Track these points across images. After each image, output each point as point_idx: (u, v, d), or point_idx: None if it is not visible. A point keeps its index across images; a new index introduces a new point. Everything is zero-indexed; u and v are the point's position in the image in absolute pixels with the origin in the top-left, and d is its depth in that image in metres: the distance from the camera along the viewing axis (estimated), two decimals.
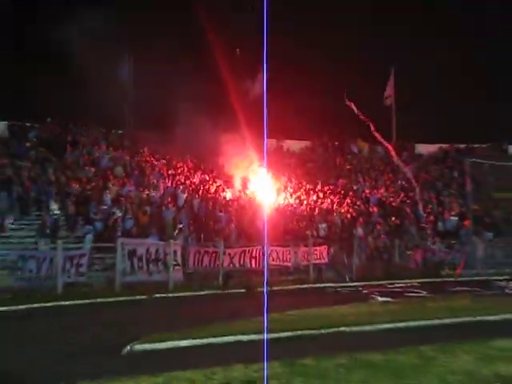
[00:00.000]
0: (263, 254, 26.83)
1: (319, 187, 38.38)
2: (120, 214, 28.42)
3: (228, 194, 34.75)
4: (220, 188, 35.03)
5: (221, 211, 31.99)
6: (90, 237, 26.06)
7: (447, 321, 15.90)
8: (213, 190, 34.45)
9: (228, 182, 36.22)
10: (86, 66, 33.71)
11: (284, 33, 38.39)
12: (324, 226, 33.01)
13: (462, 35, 51.81)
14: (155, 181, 33.40)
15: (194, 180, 35.24)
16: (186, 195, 32.45)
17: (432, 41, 51.79)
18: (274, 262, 27.51)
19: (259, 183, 36.41)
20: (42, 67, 35.46)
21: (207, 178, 35.81)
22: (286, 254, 28.34)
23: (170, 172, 35.34)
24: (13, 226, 26.99)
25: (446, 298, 20.09)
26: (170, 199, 31.54)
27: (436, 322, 15.76)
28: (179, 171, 35.86)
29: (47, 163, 32.20)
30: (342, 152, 45.32)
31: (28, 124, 35.93)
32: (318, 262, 28.79)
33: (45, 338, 13.82)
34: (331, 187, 38.80)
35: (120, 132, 39.42)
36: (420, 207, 37.05)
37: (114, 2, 41.04)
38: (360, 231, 32.91)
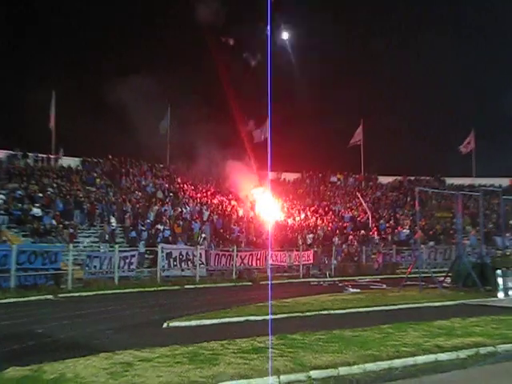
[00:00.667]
0: (266, 257, 26.94)
1: (307, 208, 38.42)
2: (160, 227, 28.60)
3: (240, 212, 34.73)
4: (234, 207, 35.02)
5: (234, 225, 32.09)
6: (142, 243, 26.22)
7: (401, 306, 15.88)
8: (228, 208, 34.45)
9: (240, 203, 36.15)
10: (138, 117, 34.09)
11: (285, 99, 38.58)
12: (310, 236, 33.05)
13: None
14: (186, 202, 33.53)
15: (215, 201, 35.25)
16: (208, 212, 32.56)
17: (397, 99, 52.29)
18: (273, 262, 27.43)
19: (263, 204, 36.43)
20: (106, 117, 35.77)
21: (224, 200, 35.78)
22: (283, 256, 28.25)
23: (197, 195, 35.37)
24: (83, 234, 27.11)
25: (400, 289, 20.02)
26: (196, 215, 31.76)
27: (393, 307, 15.74)
28: (203, 194, 35.87)
29: (108, 188, 32.43)
30: (324, 181, 45.29)
31: (95, 159, 36.10)
32: (305, 262, 28.66)
33: (106, 316, 13.90)
34: (316, 208, 38.75)
35: (161, 165, 39.51)
36: (381, 223, 37.12)
37: (157, 72, 41.44)
38: (337, 240, 33.00)
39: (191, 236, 29.08)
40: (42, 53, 44.27)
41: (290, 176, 44.88)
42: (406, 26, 54.35)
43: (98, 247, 25.61)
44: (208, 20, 37.77)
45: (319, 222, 35.89)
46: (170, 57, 46.96)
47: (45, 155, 34.39)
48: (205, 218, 31.68)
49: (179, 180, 37.53)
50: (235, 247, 26.77)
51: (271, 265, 26.87)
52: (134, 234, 27.62)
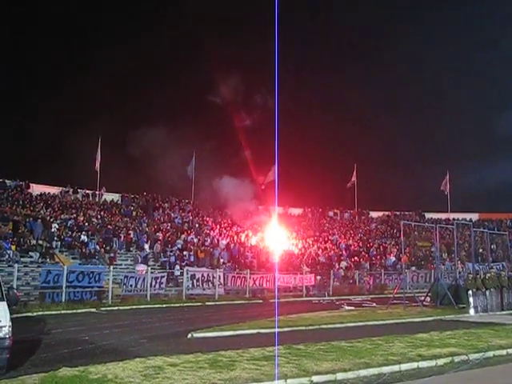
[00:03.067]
0: (274, 279, 26.79)
1: (309, 238, 38.35)
2: (186, 252, 28.63)
3: (252, 241, 34.72)
4: (247, 237, 35.00)
5: (248, 252, 31.99)
6: (177, 267, 26.03)
7: (388, 321, 15.79)
8: (243, 238, 34.41)
9: (253, 233, 36.14)
10: (169, 161, 34.43)
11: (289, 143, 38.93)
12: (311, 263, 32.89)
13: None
14: (207, 232, 33.63)
15: (231, 232, 35.21)
16: (226, 241, 32.58)
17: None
18: (280, 284, 27.22)
19: (273, 235, 36.44)
20: (143, 160, 36.03)
21: (240, 231, 35.85)
22: (289, 278, 28.07)
23: (216, 226, 35.41)
24: (121, 258, 27.23)
25: (387, 307, 19.84)
26: (216, 243, 31.82)
27: (381, 322, 15.65)
28: (222, 226, 35.87)
29: (142, 219, 32.65)
30: (323, 215, 45.23)
31: (132, 195, 36.41)
32: (308, 284, 28.48)
33: (139, 327, 13.91)
34: (317, 238, 38.63)
35: (187, 201, 39.75)
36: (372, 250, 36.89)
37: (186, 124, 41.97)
38: (334, 265, 32.78)
39: (212, 260, 29.06)
40: (92, 102, 45.13)
41: (295, 211, 44.86)
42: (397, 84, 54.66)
43: (133, 269, 25.62)
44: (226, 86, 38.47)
45: (320, 250, 35.74)
46: (195, 111, 47.62)
47: (91, 191, 34.80)
48: (223, 246, 31.67)
49: (202, 214, 37.68)
50: (248, 270, 26.69)
51: (279, 285, 26.65)
52: (164, 258, 27.69)
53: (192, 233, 32.25)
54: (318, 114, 49.41)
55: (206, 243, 31.19)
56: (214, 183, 36.74)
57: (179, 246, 29.53)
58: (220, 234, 33.74)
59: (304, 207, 45.53)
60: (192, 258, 28.31)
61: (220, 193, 37.04)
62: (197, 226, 34.30)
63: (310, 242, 37.08)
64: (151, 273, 22.78)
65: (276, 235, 35.94)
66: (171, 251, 28.55)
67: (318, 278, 29.36)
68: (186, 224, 34.16)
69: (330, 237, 39.43)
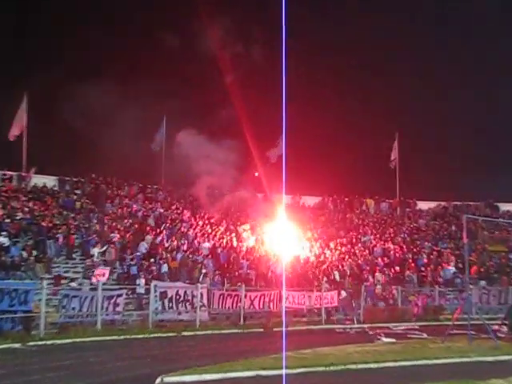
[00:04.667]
0: (281, 298, 26.77)
1: (331, 239, 38.33)
2: (153, 260, 28.60)
3: (250, 243, 34.74)
4: (242, 238, 35.03)
5: (242, 259, 32.02)
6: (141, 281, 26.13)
7: (446, 361, 15.70)
8: (235, 239, 34.43)
9: (250, 233, 36.15)
10: (127, 130, 34.34)
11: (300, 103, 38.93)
12: (336, 273, 32.89)
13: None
14: (184, 231, 33.59)
15: (219, 230, 35.23)
16: (211, 244, 32.63)
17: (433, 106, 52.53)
18: (289, 305, 27.22)
19: (278, 234, 36.40)
20: (89, 130, 36.09)
21: (231, 229, 35.83)
22: (301, 297, 28.10)
23: (197, 222, 35.43)
24: (59, 268, 27.09)
25: (444, 340, 19.77)
26: (196, 247, 31.88)
27: (436, 361, 15.57)
28: (206, 222, 35.88)
29: (91, 214, 32.52)
30: (350, 207, 45.22)
31: (75, 179, 36.25)
32: (328, 305, 28.48)
33: (85, 370, 13.80)
34: (341, 239, 38.62)
35: (155, 187, 39.67)
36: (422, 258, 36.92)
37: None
38: (367, 278, 32.79)
39: (191, 272, 29.09)
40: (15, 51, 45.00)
41: (310, 200, 44.93)
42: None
43: (79, 285, 25.51)
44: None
45: (346, 256, 35.72)
46: (166, 60, 47.34)
47: (14, 173, 34.67)
48: (207, 251, 31.74)
49: (177, 205, 37.68)
50: (243, 286, 26.65)
51: (287, 308, 26.62)
52: (121, 269, 27.61)
53: (162, 232, 32.23)
54: (339, 62, 49.30)
55: (183, 247, 31.21)
56: (194, 162, 36.67)
57: (143, 250, 29.56)
58: (202, 234, 33.74)
59: (323, 195, 45.59)
60: (162, 269, 28.32)
61: (204, 176, 37.21)
62: (169, 222, 34.27)
63: (332, 246, 37.08)
64: (103, 290, 22.66)
65: (283, 235, 35.93)
66: (132, 259, 28.49)
67: (343, 296, 29.41)
68: (154, 220, 34.16)
69: (360, 237, 39.43)
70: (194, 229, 34.30)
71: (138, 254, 29.08)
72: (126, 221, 32.76)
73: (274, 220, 37.64)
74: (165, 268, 28.42)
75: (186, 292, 24.81)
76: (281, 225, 36.71)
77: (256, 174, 41.38)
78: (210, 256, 31.16)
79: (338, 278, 32.53)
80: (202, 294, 25.07)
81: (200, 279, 27.99)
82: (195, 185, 37.73)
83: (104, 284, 23.94)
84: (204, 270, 29.35)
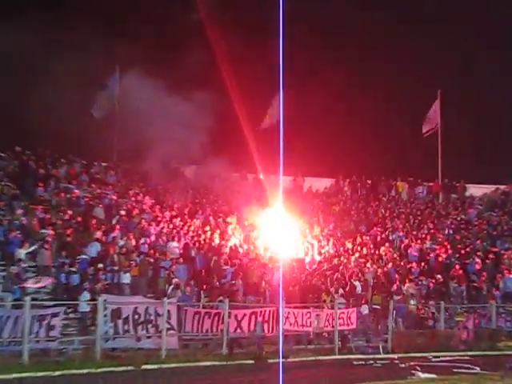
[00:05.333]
0: (278, 317, 26.73)
1: (348, 237, 38.53)
2: (102, 266, 28.53)
3: (235, 242, 34.91)
4: (226, 236, 35.22)
5: (226, 263, 32.18)
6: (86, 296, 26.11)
7: None
8: (216, 238, 34.65)
9: (236, 229, 36.41)
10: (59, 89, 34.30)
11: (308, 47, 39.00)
12: (356, 284, 32.96)
13: None
14: (146, 225, 33.59)
15: (193, 225, 35.32)
16: (183, 243, 32.77)
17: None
18: (290, 327, 27.26)
19: (274, 230, 36.44)
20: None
21: (211, 222, 35.95)
22: (306, 317, 28.06)
23: (163, 214, 35.48)
24: None
25: (504, 375, 19.79)
26: (164, 247, 32.04)
27: None
28: (174, 213, 36.05)
29: (14, 202, 32.31)
30: (375, 193, 45.28)
31: None
32: (344, 327, 28.56)
33: None
34: (362, 237, 38.78)
35: (104, 164, 39.60)
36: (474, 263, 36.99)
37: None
38: (397, 291, 32.86)
39: (154, 282, 29.28)
40: None
41: (319, 184, 45.27)
42: None
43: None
44: None
45: (367, 260, 36.00)
46: None
47: None
48: (176, 253, 31.92)
49: (135, 189, 37.86)
50: (227, 301, 26.54)
51: (286, 331, 26.68)
52: (58, 277, 27.57)
53: (115, 228, 32.22)
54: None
55: (143, 248, 31.26)
56: (161, 131, 36.69)
57: (90, 253, 29.55)
58: (171, 231, 33.81)
59: (337, 177, 45.79)
60: (116, 278, 28.46)
61: (172, 150, 37.52)
62: (124, 213, 34.23)
63: (349, 246, 37.20)
64: (32, 307, 22.47)
65: (281, 231, 36.02)
66: (72, 264, 28.42)
67: (365, 315, 29.74)
68: (104, 210, 34.18)
69: (387, 235, 39.55)
70: (159, 222, 34.35)
71: (81, 257, 29.00)
72: (64, 211, 32.61)
73: (269, 210, 37.72)
74: (124, 277, 28.55)
75: (147, 310, 24.65)
76: (278, 217, 36.77)
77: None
78: (180, 260, 31.25)
79: (359, 289, 32.78)
80: (169, 313, 24.97)
81: (167, 292, 28.08)
82: (148, 158, 38.21)
83: (34, 299, 23.73)
84: (174, 280, 29.41)
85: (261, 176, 41.61)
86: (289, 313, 27.50)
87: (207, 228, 35.26)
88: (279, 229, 35.97)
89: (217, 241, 34.44)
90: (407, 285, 33.65)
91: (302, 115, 39.44)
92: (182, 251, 32.25)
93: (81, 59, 35.58)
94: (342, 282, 32.91)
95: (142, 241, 31.79)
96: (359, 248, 37.22)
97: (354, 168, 46.22)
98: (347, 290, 32.29)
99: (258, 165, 40.62)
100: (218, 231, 35.32)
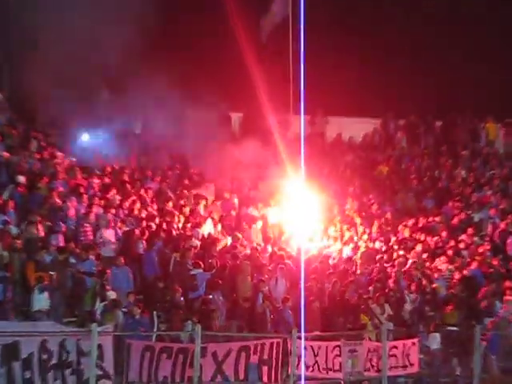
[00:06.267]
0: (284, 356, 27.07)
1: (402, 217, 38.81)
2: None
3: (210, 229, 35.42)
4: (196, 218, 35.69)
5: (196, 265, 32.31)
6: None
7: None
8: (180, 222, 35.12)
9: (213, 207, 36.92)
10: None
11: None
12: (412, 296, 33.23)
13: None
14: (59, 201, 33.92)
15: (142, 199, 35.61)
16: (122, 231, 33.24)
17: None
18: (308, 373, 27.34)
19: (276, 209, 36.75)
20: None
21: (170, 196, 36.38)
22: (333, 354, 28.36)
23: (91, 181, 35.76)
24: None
25: None
26: (84, 236, 32.40)
27: None
28: (110, 181, 36.45)
29: None
30: (449, 143, 45.49)
31: None
32: (399, 371, 28.86)
33: None
34: (428, 218, 39.08)
35: None
36: None
37: None
38: (488, 308, 33.10)
39: (76, 297, 29.37)
40: None
41: (353, 128, 45.60)
42: None
43: None
44: None
45: (434, 255, 36.18)
46: None
47: None
48: (111, 250, 32.32)
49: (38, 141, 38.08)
50: (198, 329, 26.73)
51: (308, 378, 26.95)
52: None
53: (9, 205, 32.36)
54: None
55: (54, 239, 31.41)
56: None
57: None
58: (104, 210, 34.24)
59: (384, 117, 45.99)
60: (10, 292, 28.32)
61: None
62: (22, 179, 34.36)
63: (406, 234, 37.47)
64: None
65: (288, 212, 36.37)
66: None
67: (433, 350, 30.05)
68: None
69: (469, 214, 39.76)
70: (82, 196, 34.69)
71: None
72: None
73: (268, 173, 38.00)
74: (23, 290, 28.83)
75: (63, 345, 24.84)
76: (283, 187, 37.11)
77: None
78: (119, 260, 31.33)
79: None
80: (101, 349, 25.11)
81: (96, 313, 28.30)
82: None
83: None
84: (109, 293, 29.55)
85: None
86: (304, 348, 27.77)
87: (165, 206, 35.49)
88: (285, 206, 36.33)
89: (180, 226, 34.80)
90: (507, 298, 33.97)
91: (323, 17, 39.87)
92: (120, 244, 32.58)
93: None
94: (394, 295, 33.21)
95: (58, 228, 32.00)
96: (422, 237, 37.36)
97: (412, 102, 46.56)
98: (404, 305, 32.55)
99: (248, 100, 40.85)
100: (184, 211, 35.67)
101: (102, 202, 34.62)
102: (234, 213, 37.08)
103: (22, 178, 34.09)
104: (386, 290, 33.30)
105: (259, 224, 37.02)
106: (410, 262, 35.46)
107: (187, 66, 41.10)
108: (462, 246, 36.98)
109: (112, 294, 29.24)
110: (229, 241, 35.20)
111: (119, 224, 33.49)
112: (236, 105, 42.39)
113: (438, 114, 46.54)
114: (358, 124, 45.51)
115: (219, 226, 35.82)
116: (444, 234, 37.68)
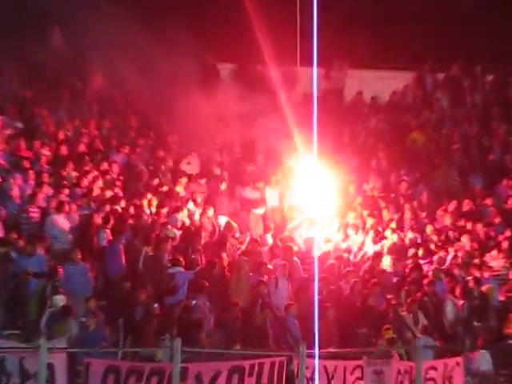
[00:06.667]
0: (289, 378, 26.60)
1: (442, 201, 38.56)
2: None
3: (192, 212, 34.89)
4: (172, 200, 35.27)
5: (174, 262, 32.02)
6: None
7: None
8: (152, 204, 34.66)
9: (196, 186, 36.45)
10: None
11: None
12: (455, 302, 32.93)
13: None
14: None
15: (104, 176, 35.24)
16: (78, 216, 32.83)
17: None
18: None
19: (279, 188, 36.62)
20: None
21: (140, 170, 35.88)
22: (353, 375, 28.00)
23: (40, 153, 35.42)
24: None
25: None
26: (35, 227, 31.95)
27: None
28: (65, 154, 35.98)
29: None
30: (503, 103, 45.30)
31: None
32: None
33: None
34: (475, 201, 38.77)
35: None
36: None
37: None
38: None
39: (19, 304, 29.08)
40: None
41: (380, 84, 45.17)
42: None
43: None
44: None
45: (488, 252, 35.86)
46: None
47: None
48: (66, 242, 31.93)
49: None
50: (178, 344, 26.29)
51: None
52: None
53: None
54: None
55: None
56: None
57: None
58: (56, 190, 33.69)
59: (417, 67, 45.95)
60: None
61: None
62: None
63: (447, 222, 37.15)
64: None
65: (294, 192, 36.20)
66: None
67: (482, 371, 29.78)
68: None
69: None
70: (28, 172, 34.24)
71: None
72: None
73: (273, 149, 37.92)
74: None
75: (3, 365, 24.59)
76: (292, 163, 36.96)
77: None
78: (74, 255, 30.95)
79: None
80: (52, 369, 24.73)
81: (42, 324, 27.92)
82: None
83: None
84: (59, 298, 29.26)
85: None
86: (322, 367, 27.39)
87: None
88: (291, 186, 36.16)
89: (153, 210, 34.44)
90: None
91: None
92: (75, 234, 32.13)
93: None
94: (431, 301, 32.91)
95: None
96: (469, 225, 37.09)
97: (452, 50, 46.53)
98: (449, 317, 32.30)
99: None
100: (159, 191, 35.30)
101: (53, 179, 34.29)
102: (224, 194, 36.54)
103: None
104: (421, 294, 33.00)
105: (260, 209, 36.50)
106: (451, 257, 35.18)
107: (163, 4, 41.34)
108: None
109: (62, 299, 28.92)
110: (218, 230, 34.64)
111: (75, 208, 33.04)
112: (225, 54, 42.18)
113: (488, 66, 46.31)
114: (384, 79, 45.34)
115: (208, 211, 35.14)
116: (497, 220, 37.32)
